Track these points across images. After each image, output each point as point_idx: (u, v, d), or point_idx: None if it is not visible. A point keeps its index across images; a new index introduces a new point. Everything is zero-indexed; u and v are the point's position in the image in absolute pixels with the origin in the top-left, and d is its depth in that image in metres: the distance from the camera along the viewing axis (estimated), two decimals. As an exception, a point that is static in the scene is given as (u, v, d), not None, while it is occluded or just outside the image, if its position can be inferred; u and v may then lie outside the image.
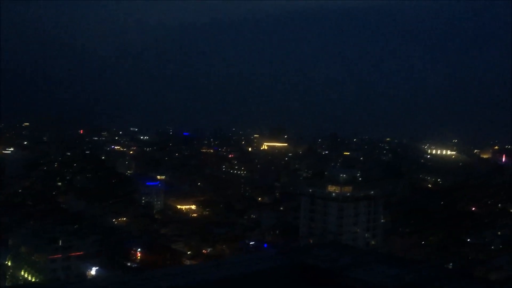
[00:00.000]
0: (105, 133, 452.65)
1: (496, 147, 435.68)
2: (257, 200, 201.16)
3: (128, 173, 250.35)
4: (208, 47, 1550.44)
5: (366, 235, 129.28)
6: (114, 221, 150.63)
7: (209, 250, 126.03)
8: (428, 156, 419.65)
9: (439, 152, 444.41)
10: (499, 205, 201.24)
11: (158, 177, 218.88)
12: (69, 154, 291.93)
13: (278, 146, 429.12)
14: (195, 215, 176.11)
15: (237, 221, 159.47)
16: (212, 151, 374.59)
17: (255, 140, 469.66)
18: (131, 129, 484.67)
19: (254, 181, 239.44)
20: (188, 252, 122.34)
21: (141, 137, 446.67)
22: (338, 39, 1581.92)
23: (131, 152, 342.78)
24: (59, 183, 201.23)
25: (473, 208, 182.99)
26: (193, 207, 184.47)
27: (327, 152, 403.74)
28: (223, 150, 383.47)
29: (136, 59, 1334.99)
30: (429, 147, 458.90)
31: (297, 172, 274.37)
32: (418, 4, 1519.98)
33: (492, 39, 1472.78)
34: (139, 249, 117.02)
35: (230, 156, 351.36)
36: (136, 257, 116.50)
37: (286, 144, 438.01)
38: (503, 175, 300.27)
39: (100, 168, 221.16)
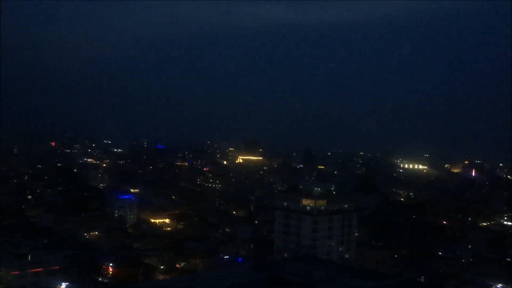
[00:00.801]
0: (78, 145, 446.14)
1: (466, 162, 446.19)
2: (232, 214, 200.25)
3: (101, 186, 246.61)
4: (186, 60, 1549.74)
5: (340, 248, 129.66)
6: (86, 235, 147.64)
7: (182, 264, 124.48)
8: (401, 170, 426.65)
9: (411, 166, 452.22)
10: (470, 218, 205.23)
11: (132, 190, 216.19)
12: (40, 166, 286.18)
13: (253, 159, 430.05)
14: (169, 229, 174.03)
15: (211, 235, 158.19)
16: (186, 164, 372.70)
17: (230, 154, 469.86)
18: (104, 141, 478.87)
19: (229, 194, 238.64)
20: (161, 267, 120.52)
21: (115, 150, 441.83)
22: (313, 53, 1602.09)
23: (104, 164, 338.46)
24: (29, 197, 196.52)
25: (444, 222, 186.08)
26: (167, 220, 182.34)
27: (301, 166, 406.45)
28: (198, 163, 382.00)
29: (110, 71, 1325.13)
30: (402, 161, 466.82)
31: (272, 186, 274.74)
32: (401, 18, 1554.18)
33: (465, 53, 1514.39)
34: (111, 264, 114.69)
35: (205, 169, 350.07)
36: (108, 272, 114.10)
37: (261, 158, 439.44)
38: (473, 189, 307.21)
39: (72, 181, 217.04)
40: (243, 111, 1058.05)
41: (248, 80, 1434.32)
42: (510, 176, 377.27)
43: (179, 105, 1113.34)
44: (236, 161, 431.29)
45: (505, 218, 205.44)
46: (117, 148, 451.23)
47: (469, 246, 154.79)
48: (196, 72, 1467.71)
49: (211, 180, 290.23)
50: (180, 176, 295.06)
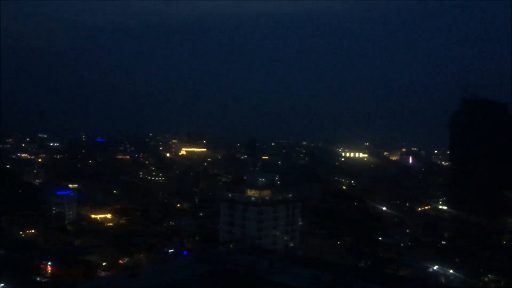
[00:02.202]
0: (10, 139, 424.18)
1: (404, 150, 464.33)
2: (176, 207, 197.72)
3: (37, 182, 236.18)
4: (128, 51, 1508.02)
5: (285, 238, 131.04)
6: (21, 234, 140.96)
7: (125, 260, 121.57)
8: (343, 159, 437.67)
9: (352, 155, 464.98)
10: (407, 204, 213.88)
11: (70, 185, 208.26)
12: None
13: (197, 151, 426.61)
14: (110, 224, 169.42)
15: (155, 229, 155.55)
16: (128, 157, 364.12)
17: (174, 146, 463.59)
18: (40, 135, 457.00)
19: (173, 187, 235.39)
20: (104, 263, 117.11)
21: (51, 144, 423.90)
22: (253, 44, 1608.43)
23: (40, 160, 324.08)
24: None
25: (384, 208, 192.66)
26: (109, 216, 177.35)
27: (246, 156, 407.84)
28: (140, 156, 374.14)
29: (47, 61, 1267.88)
30: (343, 150, 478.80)
31: (217, 177, 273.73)
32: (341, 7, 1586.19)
33: (402, 44, 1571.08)
34: (49, 263, 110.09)
35: (147, 162, 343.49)
36: (46, 271, 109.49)
37: (205, 149, 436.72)
38: (410, 176, 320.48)
39: (4, 178, 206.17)
40: (186, 103, 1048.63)
41: (191, 71, 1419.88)
42: (445, 162, 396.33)
43: (120, 97, 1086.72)
44: (180, 153, 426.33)
45: (440, 203, 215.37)
46: (54, 142, 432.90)
47: (407, 231, 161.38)
48: (138, 63, 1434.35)
49: (154, 173, 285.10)
50: (122, 170, 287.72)
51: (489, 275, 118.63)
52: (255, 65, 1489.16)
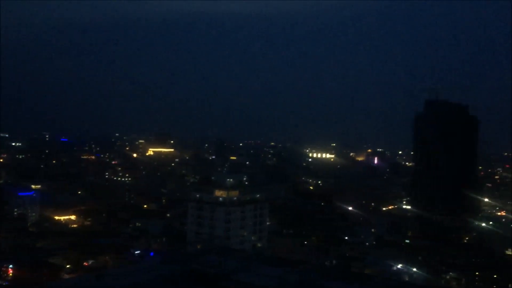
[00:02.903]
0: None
1: (370, 150, 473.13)
2: (142, 208, 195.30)
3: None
4: (95, 50, 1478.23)
5: (253, 238, 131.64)
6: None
7: (90, 262, 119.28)
8: (310, 160, 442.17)
9: (319, 155, 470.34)
10: (373, 204, 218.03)
11: (33, 186, 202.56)
12: None
13: (164, 151, 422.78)
14: (75, 225, 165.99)
15: (121, 230, 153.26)
16: (93, 157, 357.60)
17: (140, 146, 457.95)
18: (1, 134, 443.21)
19: (139, 188, 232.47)
20: (67, 266, 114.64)
21: (13, 144, 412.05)
22: (222, 44, 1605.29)
23: (1, 160, 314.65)
24: None
25: (350, 208, 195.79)
26: (73, 217, 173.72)
27: (214, 157, 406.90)
28: (105, 156, 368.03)
29: (7, 58, 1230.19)
30: (311, 151, 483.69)
31: (184, 178, 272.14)
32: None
33: (369, 46, 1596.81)
34: (10, 266, 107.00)
35: (113, 162, 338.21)
36: (8, 274, 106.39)
37: (172, 150, 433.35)
38: (376, 176, 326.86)
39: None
40: (153, 103, 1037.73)
41: (159, 71, 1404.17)
42: (409, 163, 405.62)
43: (86, 97, 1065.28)
44: (147, 154, 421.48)
45: (404, 202, 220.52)
46: (16, 142, 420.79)
47: (372, 230, 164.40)
48: (102, 62, 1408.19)
49: (120, 174, 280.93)
50: (87, 170, 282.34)
51: (450, 273, 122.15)
52: (223, 66, 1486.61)
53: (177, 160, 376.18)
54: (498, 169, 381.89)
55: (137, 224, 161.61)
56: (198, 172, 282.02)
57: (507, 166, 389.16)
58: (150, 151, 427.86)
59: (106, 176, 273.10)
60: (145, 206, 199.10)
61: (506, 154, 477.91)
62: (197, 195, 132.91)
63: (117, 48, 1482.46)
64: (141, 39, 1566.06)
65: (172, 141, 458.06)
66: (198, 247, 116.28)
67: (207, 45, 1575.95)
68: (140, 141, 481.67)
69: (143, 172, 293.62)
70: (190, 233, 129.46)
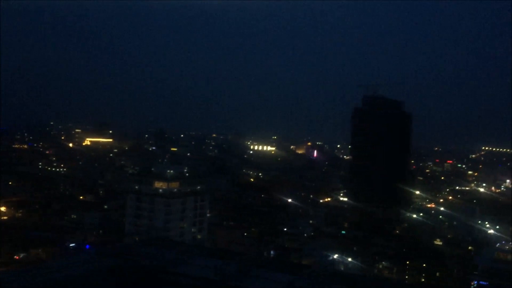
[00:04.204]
0: None
1: (309, 143, 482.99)
2: (78, 199, 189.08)
3: None
4: (29, 34, 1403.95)
5: (193, 229, 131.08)
6: None
7: (21, 255, 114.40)
8: (251, 152, 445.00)
9: (260, 147, 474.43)
10: (311, 196, 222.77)
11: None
12: None
13: (102, 141, 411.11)
14: (5, 218, 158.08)
15: (55, 222, 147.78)
16: (26, 147, 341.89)
17: (77, 136, 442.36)
18: None
19: (75, 179, 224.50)
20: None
21: None
22: (166, 37, 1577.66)
23: None
24: None
25: (289, 200, 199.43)
26: (3, 209, 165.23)
27: (154, 148, 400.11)
28: (39, 146, 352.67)
29: None
30: (252, 143, 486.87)
31: (123, 169, 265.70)
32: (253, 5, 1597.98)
33: (312, 42, 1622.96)
34: None
35: (47, 152, 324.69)
36: None
37: (111, 140, 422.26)
38: (315, 169, 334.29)
39: None
40: (92, 91, 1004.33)
41: (100, 59, 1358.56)
42: (347, 156, 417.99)
43: (19, 83, 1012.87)
44: (84, 144, 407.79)
45: (341, 194, 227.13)
46: None
47: (310, 222, 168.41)
48: (38, 47, 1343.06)
49: (55, 164, 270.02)
50: (18, 160, 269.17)
51: (383, 262, 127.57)
52: (166, 56, 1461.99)
53: (115, 150, 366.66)
54: (429, 163, 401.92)
55: (73, 216, 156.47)
56: (138, 163, 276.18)
57: (437, 160, 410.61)
58: (87, 141, 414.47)
59: (40, 166, 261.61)
60: (81, 197, 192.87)
61: (436, 149, 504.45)
62: (136, 187, 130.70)
63: (57, 33, 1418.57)
64: (84, 26, 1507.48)
65: (111, 131, 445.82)
66: (136, 239, 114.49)
67: (151, 35, 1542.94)
68: (77, 130, 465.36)
69: (80, 163, 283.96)
70: (128, 225, 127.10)
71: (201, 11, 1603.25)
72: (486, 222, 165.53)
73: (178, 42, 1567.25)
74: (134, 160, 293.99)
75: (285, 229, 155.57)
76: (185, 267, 39.64)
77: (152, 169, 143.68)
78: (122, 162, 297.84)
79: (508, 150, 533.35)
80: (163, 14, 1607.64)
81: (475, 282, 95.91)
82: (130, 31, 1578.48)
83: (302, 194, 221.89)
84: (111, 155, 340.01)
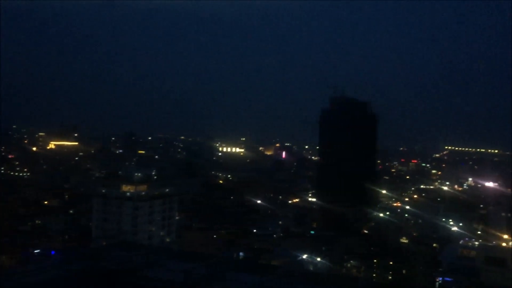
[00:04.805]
0: None
1: (278, 145, 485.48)
2: (43, 204, 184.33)
3: None
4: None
5: (161, 233, 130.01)
6: None
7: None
8: (220, 154, 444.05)
9: (229, 149, 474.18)
10: (280, 197, 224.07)
11: None
12: None
13: (67, 145, 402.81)
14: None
15: (19, 228, 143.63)
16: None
17: (41, 139, 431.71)
18: None
19: (39, 183, 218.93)
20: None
21: None
22: (134, 38, 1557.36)
23: None
24: None
25: (259, 201, 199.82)
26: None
27: (121, 151, 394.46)
28: (1, 150, 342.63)
29: None
30: (221, 145, 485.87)
31: (90, 172, 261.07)
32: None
33: (278, 43, 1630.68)
34: None
35: (10, 156, 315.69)
36: None
37: (76, 143, 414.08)
38: (283, 170, 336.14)
39: None
40: (56, 93, 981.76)
41: (66, 61, 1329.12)
42: (315, 157, 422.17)
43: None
44: (48, 147, 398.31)
45: (310, 195, 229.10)
46: None
47: (280, 222, 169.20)
48: (13, 51, 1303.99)
49: (17, 169, 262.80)
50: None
51: (351, 261, 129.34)
52: (133, 59, 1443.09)
53: (81, 154, 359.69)
54: (395, 163, 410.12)
55: (37, 221, 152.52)
56: (105, 166, 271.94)
57: (403, 160, 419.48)
58: (52, 145, 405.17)
59: (2, 171, 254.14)
60: (45, 202, 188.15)
61: (401, 149, 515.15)
62: (103, 190, 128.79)
63: (15, 34, 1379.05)
64: (45, 26, 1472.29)
65: (76, 134, 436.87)
66: (104, 243, 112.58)
67: (118, 36, 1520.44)
68: (41, 134, 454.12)
69: (44, 167, 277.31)
70: (95, 230, 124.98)
71: (168, 11, 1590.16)
72: (450, 220, 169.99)
73: (144, 44, 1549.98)
74: (101, 163, 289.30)
75: (254, 231, 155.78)
76: (154, 271, 39.25)
77: (120, 172, 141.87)
78: (88, 165, 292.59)
79: (470, 149, 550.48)
80: (129, 14, 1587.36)
81: (440, 278, 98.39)
82: (96, 32, 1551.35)
83: (271, 195, 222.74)
84: (76, 158, 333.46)
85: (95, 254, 46.10)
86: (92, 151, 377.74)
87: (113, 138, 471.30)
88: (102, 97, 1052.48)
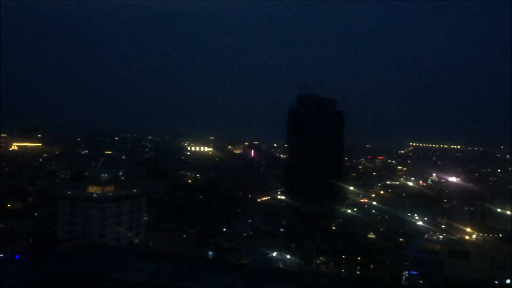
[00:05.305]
0: None
1: (246, 143, 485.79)
2: (6, 208, 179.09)
3: None
4: None
5: (130, 234, 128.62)
6: None
7: None
8: (188, 153, 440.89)
9: (198, 148, 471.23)
10: (249, 195, 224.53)
11: None
12: None
13: (31, 146, 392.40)
14: None
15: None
16: None
17: (2, 141, 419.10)
18: None
19: (2, 186, 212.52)
20: None
21: None
22: (96, 37, 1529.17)
23: None
24: None
25: (228, 200, 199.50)
26: None
27: (87, 151, 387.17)
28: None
29: None
30: (189, 144, 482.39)
31: (55, 174, 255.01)
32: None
33: (248, 41, 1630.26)
34: None
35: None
36: None
37: (40, 144, 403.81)
38: (252, 168, 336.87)
39: None
40: (19, 93, 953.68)
41: (31, 60, 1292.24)
42: (283, 155, 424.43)
43: None
44: (10, 149, 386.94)
45: (279, 193, 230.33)
46: None
47: (249, 221, 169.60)
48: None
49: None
50: None
51: (320, 258, 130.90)
52: (98, 57, 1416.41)
53: (45, 155, 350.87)
54: (362, 159, 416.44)
55: (1, 225, 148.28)
56: (70, 167, 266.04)
57: (369, 157, 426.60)
58: (14, 146, 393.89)
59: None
60: (8, 205, 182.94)
61: (368, 145, 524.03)
62: (69, 192, 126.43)
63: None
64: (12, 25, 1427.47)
65: (40, 135, 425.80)
66: (70, 246, 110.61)
67: (86, 38, 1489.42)
68: (2, 135, 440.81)
69: (6, 169, 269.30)
70: (61, 233, 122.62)
71: (131, 10, 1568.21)
72: (415, 214, 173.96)
73: (109, 42, 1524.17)
74: (66, 164, 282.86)
75: (224, 230, 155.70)
76: (121, 273, 38.94)
77: (86, 173, 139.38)
78: (53, 167, 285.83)
79: (433, 145, 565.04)
80: (88, 14, 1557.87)
81: (406, 272, 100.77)
82: (59, 30, 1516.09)
83: (241, 193, 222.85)
84: (40, 160, 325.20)
85: (61, 257, 45.32)
86: (57, 152, 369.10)
87: (78, 139, 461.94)
88: (67, 97, 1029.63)
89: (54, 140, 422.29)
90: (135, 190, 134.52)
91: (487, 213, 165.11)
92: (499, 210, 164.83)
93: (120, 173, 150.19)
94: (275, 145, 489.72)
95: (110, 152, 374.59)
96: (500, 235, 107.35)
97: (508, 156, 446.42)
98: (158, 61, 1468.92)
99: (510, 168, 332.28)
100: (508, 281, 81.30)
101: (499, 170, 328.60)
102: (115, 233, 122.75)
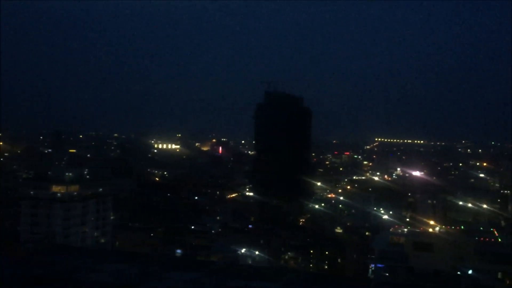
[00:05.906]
0: None
1: (214, 140, 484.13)
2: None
3: None
4: None
5: (96, 233, 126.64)
6: None
7: None
8: (155, 151, 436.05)
9: (165, 146, 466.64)
10: (218, 192, 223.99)
11: None
12: None
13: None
14: None
15: None
16: None
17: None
18: None
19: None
20: None
21: None
22: (61, 34, 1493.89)
23: None
24: None
25: (196, 198, 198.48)
26: None
27: (50, 150, 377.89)
28: None
29: None
30: (156, 142, 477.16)
31: (16, 174, 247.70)
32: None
33: (214, 39, 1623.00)
34: None
35: None
36: None
37: (0, 143, 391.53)
38: (220, 165, 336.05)
39: None
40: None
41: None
42: (251, 151, 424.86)
43: None
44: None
45: (247, 189, 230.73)
46: None
47: (218, 218, 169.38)
48: None
49: None
50: None
51: (288, 253, 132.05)
52: (63, 56, 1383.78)
53: (6, 154, 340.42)
54: (328, 155, 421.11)
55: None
56: (33, 167, 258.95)
57: (336, 152, 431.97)
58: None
59: None
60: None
61: (334, 141, 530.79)
62: (32, 192, 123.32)
63: None
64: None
65: (0, 134, 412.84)
66: (33, 248, 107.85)
67: (49, 35, 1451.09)
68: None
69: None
70: (24, 234, 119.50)
71: (96, 10, 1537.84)
72: (381, 209, 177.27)
73: (73, 40, 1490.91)
74: (28, 164, 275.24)
75: (192, 227, 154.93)
76: (85, 274, 38.17)
77: (49, 172, 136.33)
78: (14, 166, 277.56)
79: (398, 140, 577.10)
80: (61, 15, 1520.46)
81: (373, 265, 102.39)
82: (24, 27, 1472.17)
83: (209, 191, 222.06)
84: (1, 159, 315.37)
85: (23, 259, 44.13)
86: (19, 151, 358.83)
87: (41, 137, 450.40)
88: (30, 94, 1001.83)
89: (15, 139, 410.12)
90: (101, 189, 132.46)
91: (449, 206, 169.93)
92: (460, 203, 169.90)
93: (85, 172, 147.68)
94: (243, 141, 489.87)
95: (74, 151, 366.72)
96: (462, 227, 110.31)
97: (469, 150, 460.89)
98: (126, 59, 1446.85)
99: (471, 162, 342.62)
100: (470, 271, 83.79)
101: (460, 164, 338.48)
102: (80, 233, 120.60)
